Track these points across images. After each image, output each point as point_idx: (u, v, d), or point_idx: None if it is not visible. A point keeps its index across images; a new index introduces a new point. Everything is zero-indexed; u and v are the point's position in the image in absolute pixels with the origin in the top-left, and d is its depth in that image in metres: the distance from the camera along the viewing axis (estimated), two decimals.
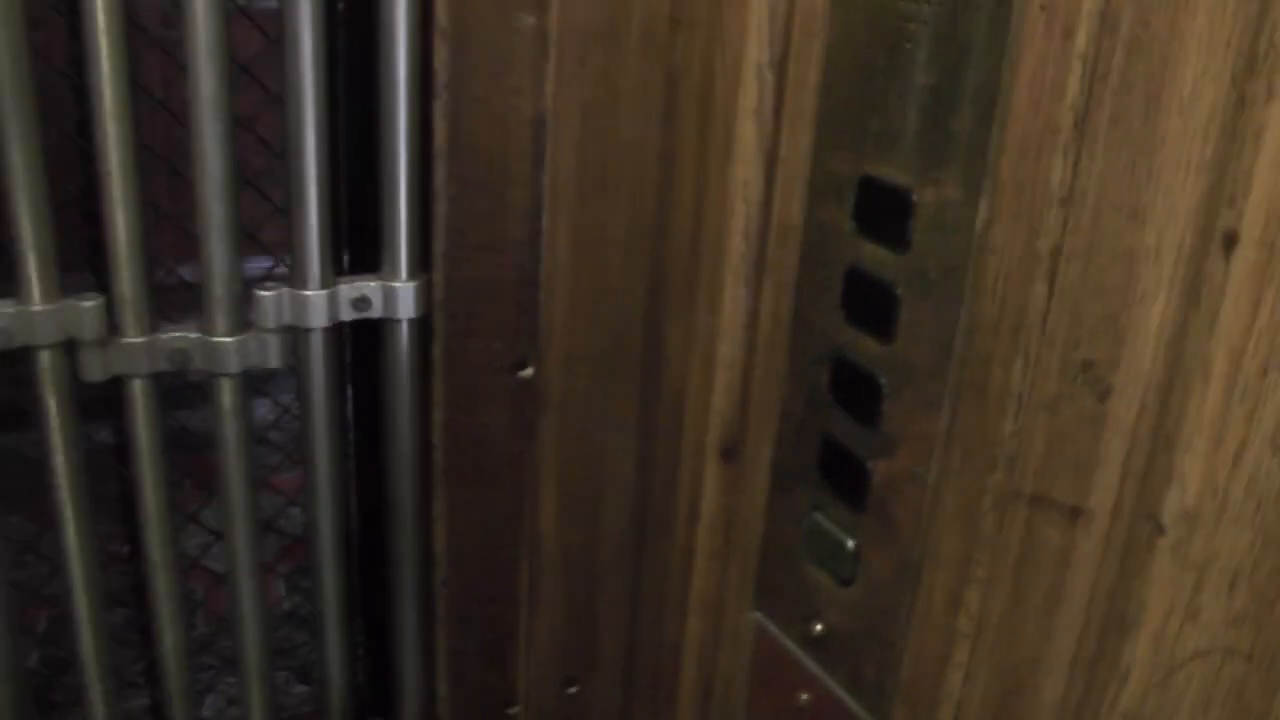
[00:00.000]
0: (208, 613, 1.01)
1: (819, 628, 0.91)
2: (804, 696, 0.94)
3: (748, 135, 0.85)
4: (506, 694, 1.06)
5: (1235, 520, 0.53)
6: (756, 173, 0.86)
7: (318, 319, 0.88)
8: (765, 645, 0.97)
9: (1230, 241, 0.51)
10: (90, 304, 0.82)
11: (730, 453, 0.96)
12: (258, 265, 0.97)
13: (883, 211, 0.77)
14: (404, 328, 0.91)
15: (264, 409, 1.18)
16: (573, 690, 1.07)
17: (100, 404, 0.89)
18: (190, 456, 0.99)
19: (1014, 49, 0.66)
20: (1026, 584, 0.69)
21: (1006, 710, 0.72)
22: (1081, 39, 0.61)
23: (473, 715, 1.07)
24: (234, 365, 0.87)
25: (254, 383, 0.92)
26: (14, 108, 0.75)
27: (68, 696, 0.95)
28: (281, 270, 0.93)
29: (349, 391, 0.98)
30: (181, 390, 0.95)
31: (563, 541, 1.00)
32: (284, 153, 0.85)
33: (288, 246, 0.88)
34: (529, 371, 0.93)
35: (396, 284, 0.89)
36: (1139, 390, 0.60)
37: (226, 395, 0.88)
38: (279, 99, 0.84)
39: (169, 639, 0.96)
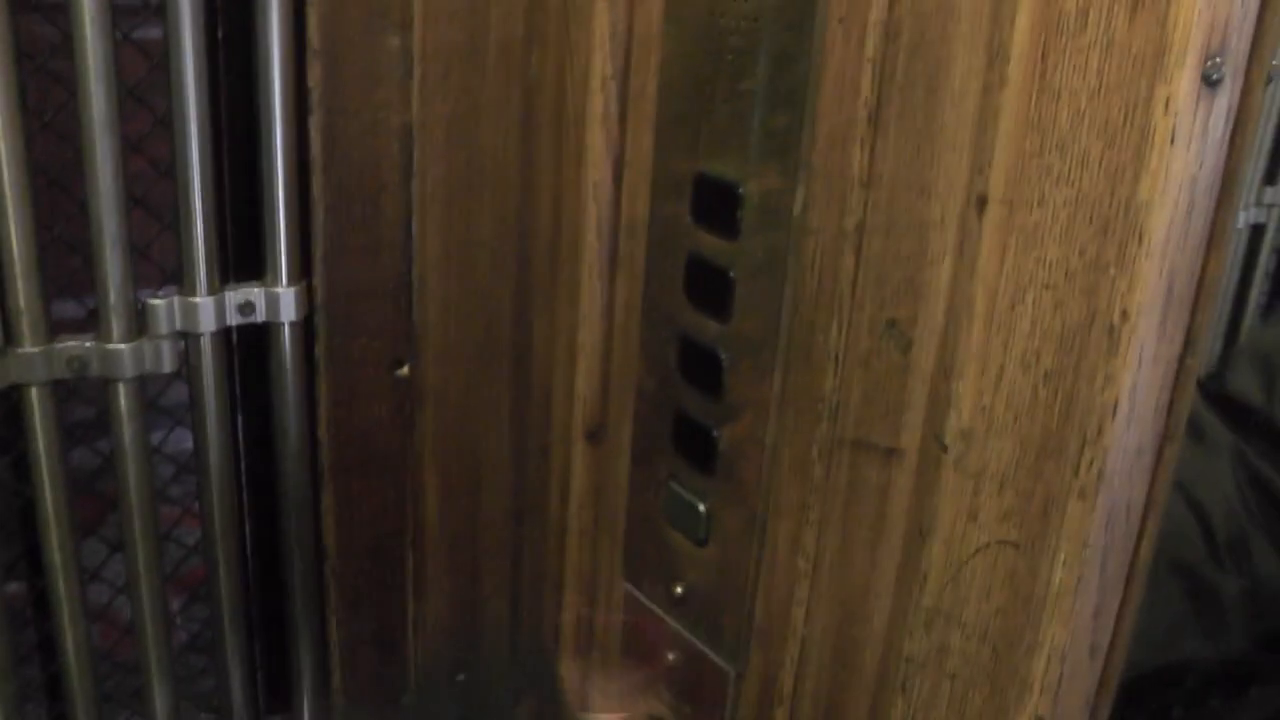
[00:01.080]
0: (106, 631, 1.05)
1: (680, 589, 1.00)
2: (671, 655, 1.02)
3: (597, 141, 0.94)
4: (398, 682, 1.12)
5: (1000, 432, 0.63)
6: (606, 175, 0.95)
7: (207, 324, 0.94)
8: (635, 612, 1.06)
9: (982, 202, 0.62)
10: None
11: (594, 434, 1.04)
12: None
13: (715, 204, 0.86)
14: (287, 330, 0.97)
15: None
16: (461, 676, 1.13)
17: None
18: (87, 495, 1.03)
19: (818, 56, 0.76)
20: (853, 520, 0.78)
21: (843, 637, 0.81)
22: (871, 46, 0.72)
23: (366, 704, 1.13)
24: (129, 370, 0.92)
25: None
26: None
27: None
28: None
29: (238, 395, 1.04)
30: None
31: (446, 528, 1.07)
32: (170, 171, 0.91)
33: (175, 259, 0.94)
34: (406, 368, 1.01)
35: (279, 289, 0.96)
36: (934, 340, 0.70)
37: (123, 400, 0.94)
38: (165, 121, 0.90)
39: (71, 650, 1.00)
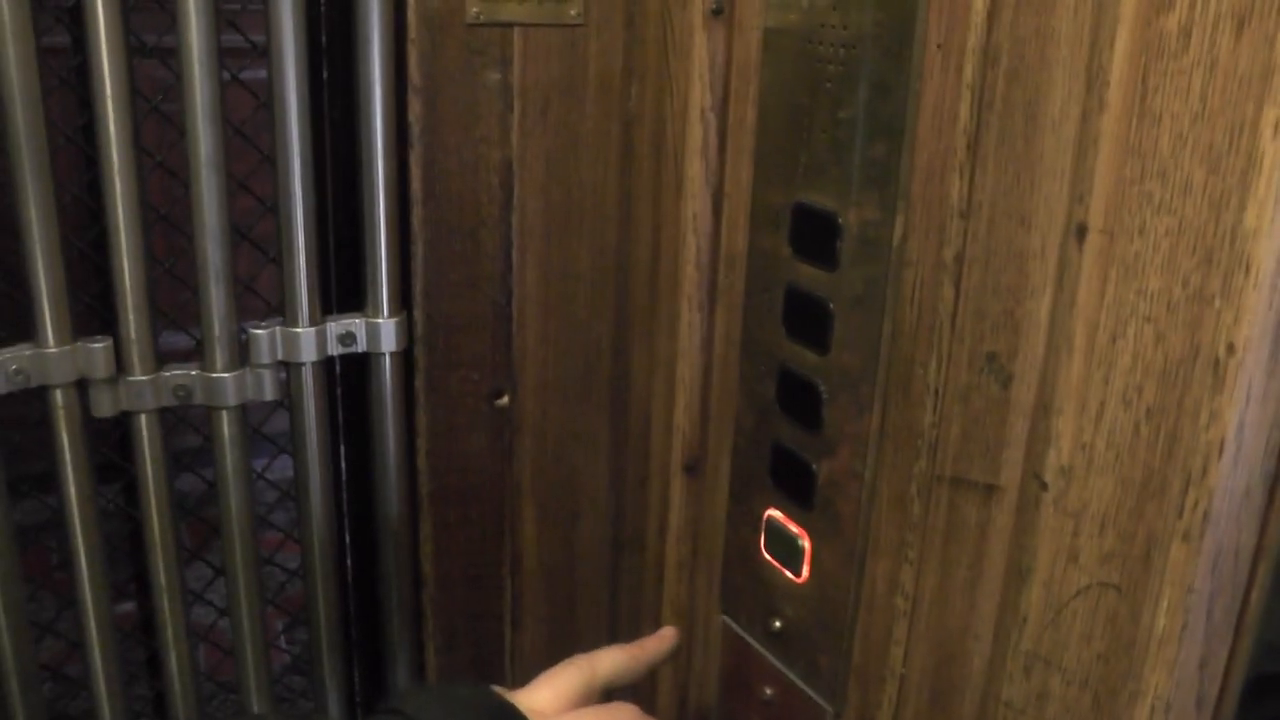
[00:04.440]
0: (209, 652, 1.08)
1: (778, 624, 0.98)
2: (768, 691, 1.01)
3: (696, 173, 0.94)
4: None
5: (1101, 470, 0.60)
6: (705, 207, 0.95)
7: (308, 354, 0.96)
8: (732, 646, 1.04)
9: (1082, 232, 0.60)
10: (100, 345, 0.90)
11: (693, 467, 1.04)
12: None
13: (814, 235, 0.85)
14: (387, 360, 0.99)
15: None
16: None
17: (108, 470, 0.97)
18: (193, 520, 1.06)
19: (916, 83, 0.75)
20: (952, 559, 0.76)
21: (941, 679, 0.79)
22: (969, 72, 0.70)
23: None
24: (232, 399, 0.95)
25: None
26: (33, 172, 0.84)
27: None
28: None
29: (339, 423, 1.06)
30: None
31: (543, 559, 1.08)
32: (274, 206, 0.94)
33: (279, 291, 0.96)
34: (505, 399, 1.01)
35: (379, 320, 0.98)
36: (1034, 374, 0.68)
37: (226, 427, 0.96)
38: (270, 158, 0.93)
39: (175, 669, 1.02)
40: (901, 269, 0.78)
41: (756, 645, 1.02)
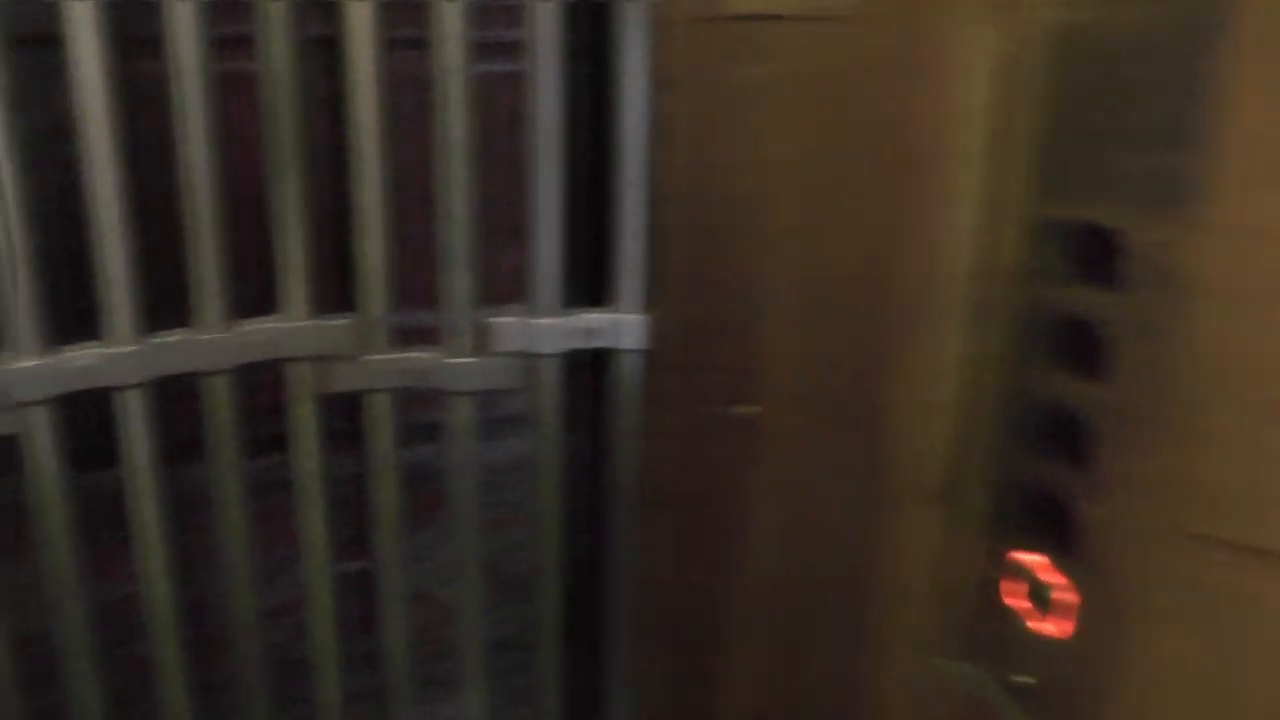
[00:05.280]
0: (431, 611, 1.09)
1: (1025, 679, 0.90)
2: None
3: (964, 181, 0.87)
4: None
5: None
6: (972, 217, 0.87)
7: (549, 346, 0.95)
8: (969, 695, 0.96)
9: None
10: (343, 322, 0.91)
11: (942, 496, 0.96)
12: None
13: (1095, 254, 0.77)
14: (629, 359, 0.97)
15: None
16: None
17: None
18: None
19: (1226, 88, 0.65)
20: (1232, 631, 0.67)
21: None
22: None
23: None
24: (468, 385, 0.95)
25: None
26: (291, 161, 0.86)
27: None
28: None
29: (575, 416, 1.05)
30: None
31: (771, 577, 1.03)
32: (524, 198, 0.92)
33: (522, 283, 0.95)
34: (748, 408, 0.97)
35: (624, 317, 0.95)
36: None
37: (460, 413, 0.96)
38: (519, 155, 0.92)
39: (394, 631, 1.03)
40: (1194, 298, 0.68)
41: (998, 698, 0.93)
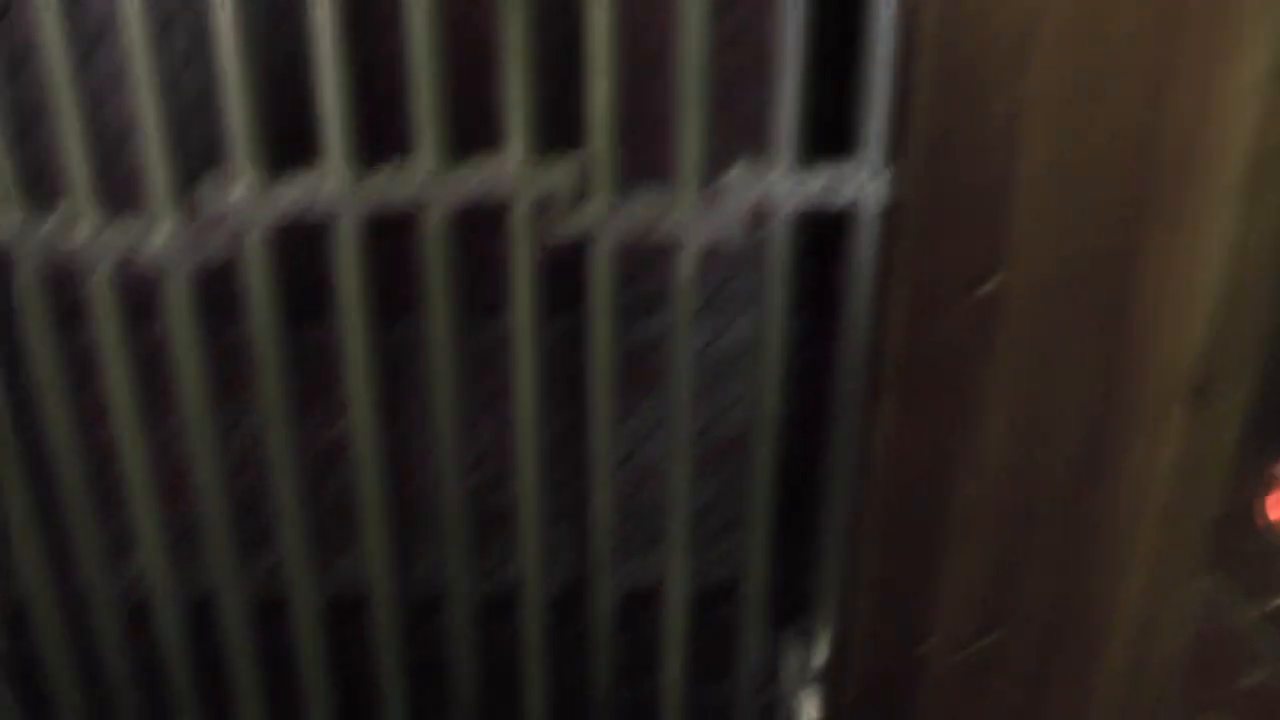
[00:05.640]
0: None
1: (1277, 603, 0.81)
2: (1251, 678, 0.84)
3: (1252, 33, 0.78)
4: (920, 628, 1.03)
5: None
6: (1260, 74, 0.78)
7: (784, 202, 0.92)
8: (1213, 616, 0.88)
9: None
10: (567, 164, 0.90)
11: (1199, 392, 0.87)
12: None
13: None
14: (868, 222, 0.92)
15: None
16: (989, 638, 1.02)
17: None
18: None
19: None
20: None
21: None
22: None
23: (881, 643, 1.06)
24: (696, 238, 0.92)
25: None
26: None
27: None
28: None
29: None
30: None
31: (1002, 474, 0.97)
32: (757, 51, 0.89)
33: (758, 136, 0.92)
34: (991, 284, 0.91)
35: (865, 176, 0.91)
36: None
37: (684, 267, 0.93)
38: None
39: (600, 494, 1.03)
40: None
41: (1246, 621, 0.85)
